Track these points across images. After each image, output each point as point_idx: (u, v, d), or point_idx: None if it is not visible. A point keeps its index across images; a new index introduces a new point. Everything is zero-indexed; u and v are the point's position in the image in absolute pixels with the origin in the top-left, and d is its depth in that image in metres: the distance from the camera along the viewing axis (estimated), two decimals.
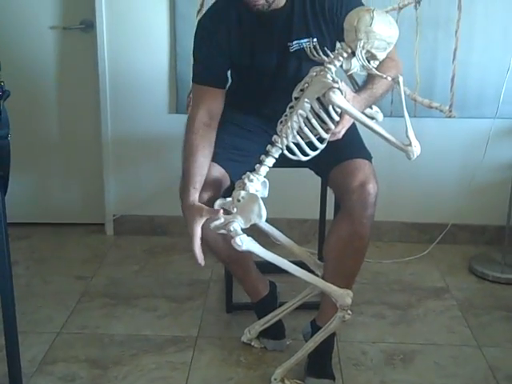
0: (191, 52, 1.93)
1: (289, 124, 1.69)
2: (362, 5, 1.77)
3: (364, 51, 1.62)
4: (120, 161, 3.01)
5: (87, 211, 3.17)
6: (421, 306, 2.40)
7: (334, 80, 1.63)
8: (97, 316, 2.32)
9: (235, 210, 1.69)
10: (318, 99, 1.66)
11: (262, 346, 2.10)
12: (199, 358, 2.05)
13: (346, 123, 1.71)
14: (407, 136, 1.63)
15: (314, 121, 1.68)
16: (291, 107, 1.71)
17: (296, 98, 1.71)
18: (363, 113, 1.69)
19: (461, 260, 2.81)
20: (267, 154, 1.72)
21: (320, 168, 1.96)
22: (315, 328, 1.92)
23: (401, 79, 1.63)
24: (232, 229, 1.68)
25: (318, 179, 2.10)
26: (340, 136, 1.72)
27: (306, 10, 1.82)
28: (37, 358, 2.04)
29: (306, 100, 1.67)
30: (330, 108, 1.66)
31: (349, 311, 1.79)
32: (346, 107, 1.63)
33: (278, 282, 2.22)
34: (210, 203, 1.77)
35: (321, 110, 1.67)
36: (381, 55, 1.66)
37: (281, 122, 1.72)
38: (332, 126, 1.69)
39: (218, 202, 1.74)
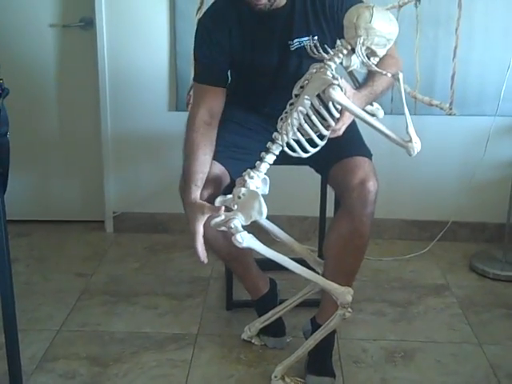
0: (191, 50, 1.93)
1: (289, 121, 1.69)
2: (362, 2, 1.77)
3: (364, 48, 1.62)
4: (120, 158, 3.01)
5: (87, 208, 3.17)
6: (421, 304, 2.40)
7: (333, 77, 1.62)
8: (97, 313, 2.32)
9: (236, 207, 1.69)
10: (318, 96, 1.66)
11: (263, 343, 2.10)
12: (199, 355, 2.05)
13: (347, 120, 1.71)
14: (407, 132, 1.63)
15: (314, 118, 1.68)
16: (291, 104, 1.71)
17: (296, 95, 1.70)
18: (364, 110, 1.69)
19: (461, 257, 2.80)
20: (267, 150, 1.72)
21: (320, 165, 1.96)
22: (315, 326, 1.92)
23: (401, 76, 1.63)
24: (233, 226, 1.68)
25: (318, 177, 2.10)
26: (340, 133, 1.72)
27: (307, 9, 1.81)
28: (37, 355, 2.04)
29: (306, 97, 1.67)
30: (330, 105, 1.66)
31: (349, 309, 1.80)
32: (346, 104, 1.63)
33: (278, 279, 2.22)
34: (211, 201, 1.77)
35: (321, 107, 1.67)
36: (381, 52, 1.66)
37: (281, 119, 1.72)
38: (332, 123, 1.68)
39: (219, 200, 1.74)
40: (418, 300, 2.42)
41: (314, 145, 1.71)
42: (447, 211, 2.92)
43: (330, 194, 2.13)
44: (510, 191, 2.67)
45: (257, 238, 1.73)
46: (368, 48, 1.63)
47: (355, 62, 1.66)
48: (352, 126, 1.80)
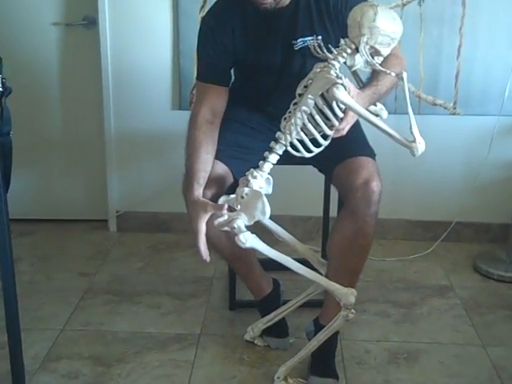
0: (194, 48, 1.93)
1: (292, 120, 1.68)
2: (366, 1, 1.76)
3: (368, 47, 1.61)
4: (123, 157, 3.01)
5: (90, 207, 3.17)
6: (425, 305, 2.39)
7: (337, 76, 1.62)
8: (100, 313, 2.31)
9: (239, 206, 1.69)
10: (322, 95, 1.65)
11: (265, 344, 2.10)
12: (202, 355, 2.05)
13: (350, 120, 1.70)
14: (411, 133, 1.62)
15: (317, 117, 1.67)
16: (295, 104, 1.70)
17: (300, 95, 1.70)
18: (367, 110, 1.68)
19: (465, 258, 2.79)
20: (271, 150, 1.71)
21: (324, 165, 1.95)
22: (318, 327, 1.92)
23: (405, 75, 1.62)
24: (236, 226, 1.67)
25: (322, 176, 2.09)
26: (344, 133, 1.71)
27: (311, 8, 1.81)
28: (40, 354, 2.04)
29: (310, 96, 1.66)
30: (334, 104, 1.65)
31: (352, 310, 1.79)
32: (350, 103, 1.62)
33: (281, 279, 2.21)
34: (214, 200, 1.76)
35: (324, 107, 1.66)
36: (385, 51, 1.65)
37: (284, 119, 1.72)
38: (336, 123, 1.68)
39: (222, 199, 1.74)
40: (421, 301, 2.42)
41: (317, 145, 1.70)
42: (451, 211, 2.91)
43: (334, 193, 2.12)
44: None
45: (260, 238, 1.72)
46: (372, 47, 1.62)
47: (359, 62, 1.66)
48: (356, 126, 1.79)
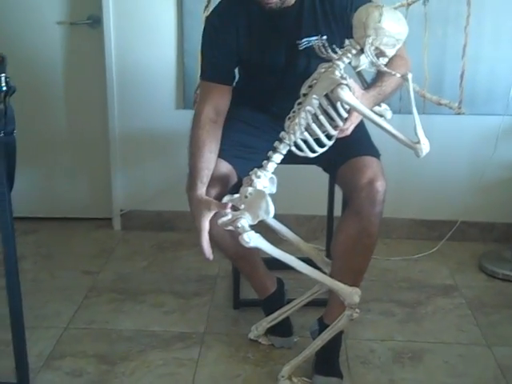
0: (198, 48, 1.93)
1: (296, 120, 1.68)
2: (372, 1, 1.75)
3: (373, 48, 1.61)
4: (127, 156, 3.01)
5: (95, 206, 3.17)
6: (429, 304, 2.38)
7: (342, 76, 1.61)
8: (104, 311, 2.32)
9: (243, 206, 1.69)
10: (327, 96, 1.65)
11: (270, 343, 2.09)
12: (206, 354, 2.05)
13: (355, 120, 1.70)
14: (416, 134, 1.62)
15: (321, 117, 1.67)
16: (299, 103, 1.70)
17: (304, 95, 1.69)
18: (372, 110, 1.68)
19: (470, 257, 2.79)
20: (275, 150, 1.71)
21: (328, 165, 1.95)
22: (322, 326, 1.92)
23: (410, 76, 1.61)
24: (240, 225, 1.67)
25: (326, 175, 2.09)
26: (348, 133, 1.71)
27: (316, 8, 1.80)
28: (44, 353, 2.04)
29: (314, 96, 1.66)
30: (338, 105, 1.65)
31: (357, 309, 1.78)
32: (354, 104, 1.62)
33: (285, 278, 2.21)
34: (218, 199, 1.76)
35: (329, 107, 1.66)
36: (390, 52, 1.64)
37: (289, 119, 1.71)
38: (340, 123, 1.67)
39: (226, 199, 1.74)
40: (426, 300, 2.41)
41: (321, 145, 1.70)
42: (456, 211, 2.91)
43: (338, 192, 2.12)
44: None
45: (264, 237, 1.72)
46: (377, 48, 1.62)
47: (364, 62, 1.65)
48: (360, 126, 1.79)
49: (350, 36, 1.66)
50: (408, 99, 1.63)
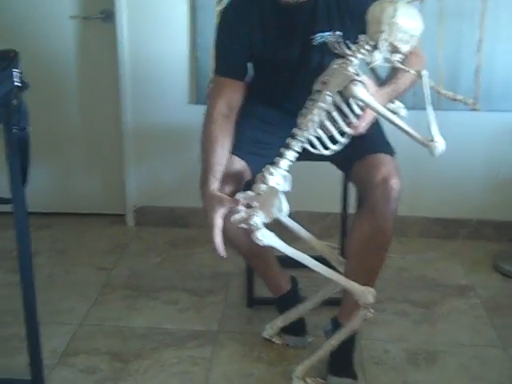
0: (211, 42, 1.92)
1: (309, 117, 1.66)
2: None
3: (387, 43, 1.58)
4: (141, 151, 3.01)
5: (108, 202, 3.17)
6: (445, 304, 2.36)
7: (355, 73, 1.59)
8: (118, 308, 2.32)
9: (256, 203, 1.67)
10: (340, 92, 1.63)
11: (284, 342, 2.09)
12: (220, 353, 2.05)
13: (368, 117, 1.69)
14: (430, 132, 1.60)
15: (335, 114, 1.65)
16: (312, 100, 1.68)
17: (317, 91, 1.67)
18: (385, 107, 1.66)
19: (485, 257, 2.75)
20: (287, 146, 1.69)
21: (342, 162, 1.93)
22: (336, 325, 1.90)
23: (425, 73, 1.59)
24: (253, 223, 1.65)
25: (340, 172, 2.07)
26: (361, 130, 1.70)
27: (331, 3, 1.78)
28: (58, 349, 2.05)
29: (328, 93, 1.64)
30: (352, 101, 1.63)
31: (371, 309, 1.77)
32: (368, 100, 1.60)
33: (299, 276, 2.20)
34: (231, 197, 1.75)
35: (342, 103, 1.64)
36: (404, 48, 1.62)
37: (301, 115, 1.70)
38: (353, 120, 1.66)
39: (239, 196, 1.72)
40: (441, 300, 2.39)
41: (334, 141, 1.68)
42: (471, 209, 2.88)
43: (352, 190, 2.10)
44: None
45: (277, 234, 1.70)
46: (391, 44, 1.59)
47: (378, 58, 1.62)
48: (375, 124, 1.78)
49: (364, 32, 1.63)
50: (423, 96, 1.60)
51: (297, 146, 1.68)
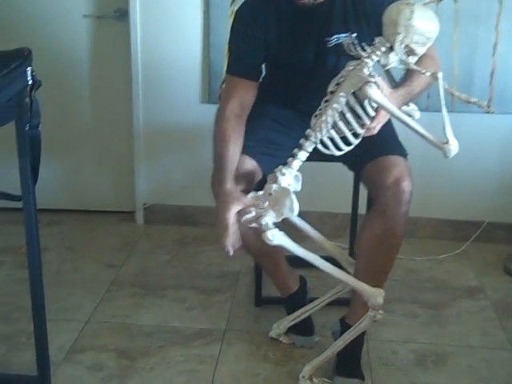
0: (224, 42, 1.91)
1: (323, 118, 1.65)
2: None
3: (403, 46, 1.57)
4: (151, 150, 3.01)
5: (118, 199, 3.18)
6: (454, 306, 2.34)
7: (370, 74, 1.58)
8: (126, 305, 2.32)
9: (267, 203, 1.67)
10: (354, 94, 1.62)
11: (291, 341, 2.08)
12: (227, 351, 2.04)
13: (382, 119, 1.67)
14: (445, 134, 1.59)
15: (348, 115, 1.64)
16: (326, 101, 1.67)
17: (331, 92, 1.67)
18: (400, 109, 1.65)
19: (496, 259, 2.73)
20: (300, 147, 1.68)
21: (354, 163, 1.92)
22: (345, 326, 1.89)
23: (440, 75, 1.58)
24: (264, 223, 1.65)
25: (350, 173, 2.07)
26: (375, 132, 1.69)
27: (347, 5, 1.77)
28: (65, 346, 2.05)
29: (342, 94, 1.63)
30: (366, 103, 1.62)
31: (380, 311, 1.76)
32: (383, 102, 1.59)
33: (308, 276, 2.19)
34: None
35: (356, 105, 1.63)
36: (420, 50, 1.61)
37: (315, 116, 1.69)
38: (367, 121, 1.65)
39: (250, 196, 1.72)
40: (450, 302, 2.37)
41: (347, 143, 1.67)
42: (483, 211, 2.86)
43: (362, 190, 2.09)
44: None
45: (287, 234, 1.70)
46: (407, 46, 1.58)
47: (393, 60, 1.62)
48: (388, 125, 1.76)
49: (381, 34, 1.62)
50: (438, 98, 1.59)
51: (310, 146, 1.67)
